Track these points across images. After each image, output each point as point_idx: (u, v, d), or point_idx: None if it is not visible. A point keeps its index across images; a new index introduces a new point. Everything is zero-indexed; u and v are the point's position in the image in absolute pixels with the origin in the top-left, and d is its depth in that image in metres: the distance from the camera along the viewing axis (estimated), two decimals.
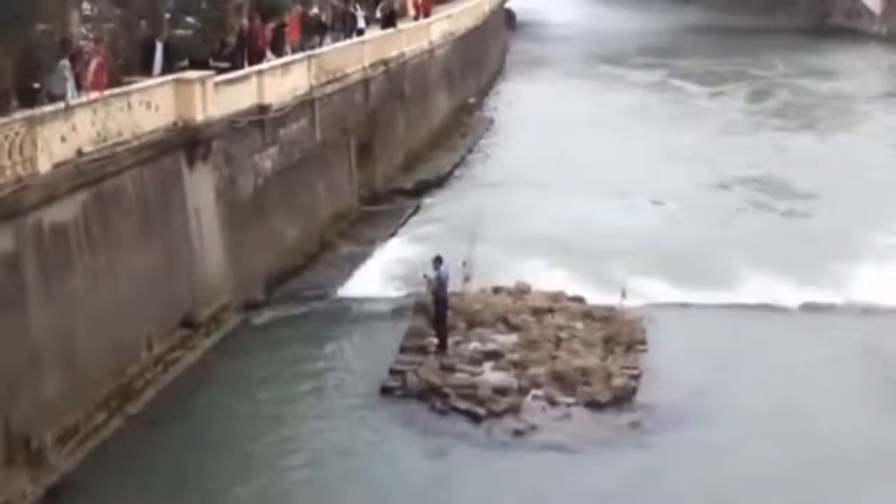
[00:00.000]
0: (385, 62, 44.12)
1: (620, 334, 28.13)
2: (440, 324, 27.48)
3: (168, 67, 30.03)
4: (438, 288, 27.27)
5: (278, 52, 36.82)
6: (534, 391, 25.33)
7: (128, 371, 24.66)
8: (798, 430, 23.82)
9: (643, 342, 28.11)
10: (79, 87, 25.08)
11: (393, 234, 38.18)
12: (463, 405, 24.65)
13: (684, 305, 30.89)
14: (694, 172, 47.19)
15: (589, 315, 29.37)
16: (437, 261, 27.49)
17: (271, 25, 37.96)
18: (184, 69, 30.33)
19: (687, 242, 36.32)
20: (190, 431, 23.82)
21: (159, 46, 30.80)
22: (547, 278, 32.10)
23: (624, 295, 29.99)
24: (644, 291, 31.10)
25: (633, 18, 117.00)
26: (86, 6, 32.04)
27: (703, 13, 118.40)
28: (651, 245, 35.56)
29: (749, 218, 40.89)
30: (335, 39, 42.76)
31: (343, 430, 24.13)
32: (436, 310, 27.55)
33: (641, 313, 29.76)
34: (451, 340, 27.39)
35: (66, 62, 25.17)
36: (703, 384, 25.90)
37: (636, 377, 26.00)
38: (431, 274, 27.36)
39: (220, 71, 30.83)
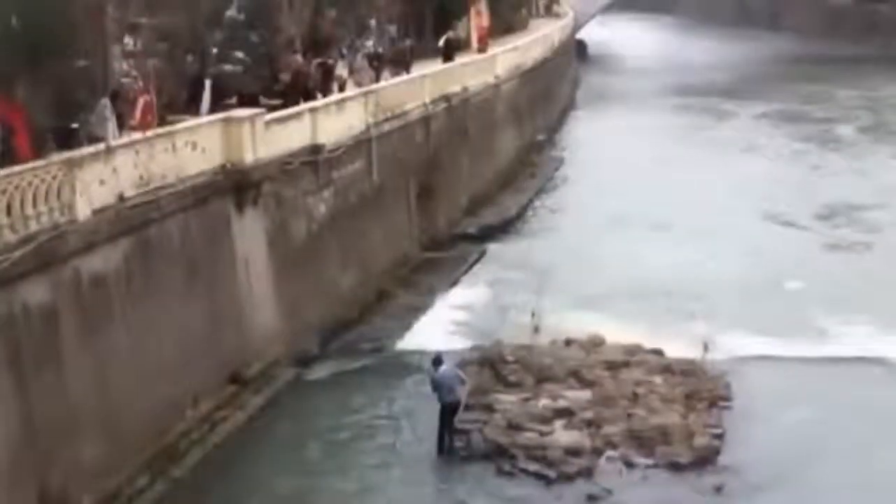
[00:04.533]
0: (447, 98, 44.15)
1: (702, 390, 27.91)
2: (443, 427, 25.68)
3: (216, 106, 30.27)
4: (438, 390, 25.63)
5: (324, 92, 36.91)
6: (608, 452, 25.11)
7: (172, 431, 24.74)
8: None
9: (727, 398, 27.86)
10: (120, 126, 25.29)
11: (455, 283, 38.05)
12: (532, 467, 24.49)
13: (772, 358, 30.56)
14: (781, 212, 47.05)
15: (668, 369, 29.17)
16: (436, 362, 25.92)
17: (317, 61, 38.11)
18: (232, 106, 30.54)
19: (775, 289, 36.10)
20: (238, 497, 23.85)
21: (207, 84, 31.08)
22: (622, 330, 31.86)
23: (706, 347, 29.76)
24: (728, 343, 30.87)
25: (717, 49, 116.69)
26: (128, 40, 32.33)
27: (794, 42, 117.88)
28: (735, 293, 35.31)
29: (843, 262, 40.45)
30: (393, 74, 42.97)
31: (403, 495, 24.04)
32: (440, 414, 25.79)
33: (725, 367, 29.52)
34: (518, 397, 27.24)
35: (106, 101, 25.40)
36: (793, 445, 25.56)
37: (720, 436, 25.76)
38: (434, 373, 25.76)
39: (271, 108, 31.00)
